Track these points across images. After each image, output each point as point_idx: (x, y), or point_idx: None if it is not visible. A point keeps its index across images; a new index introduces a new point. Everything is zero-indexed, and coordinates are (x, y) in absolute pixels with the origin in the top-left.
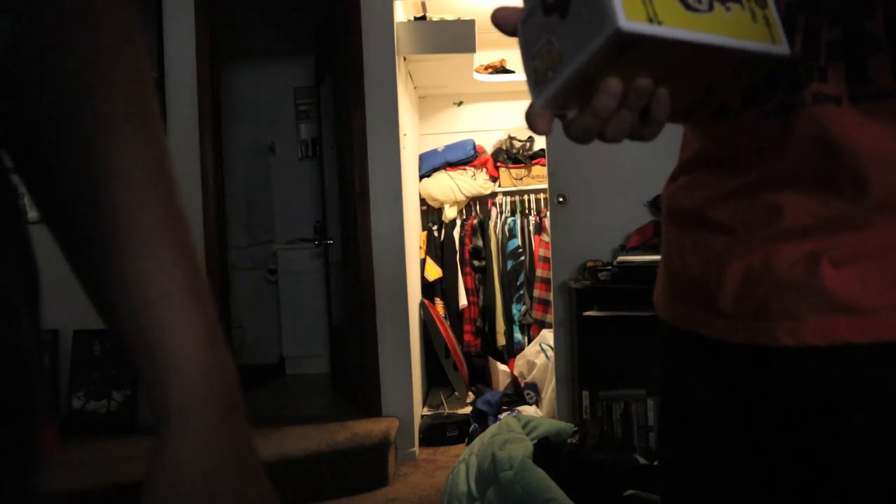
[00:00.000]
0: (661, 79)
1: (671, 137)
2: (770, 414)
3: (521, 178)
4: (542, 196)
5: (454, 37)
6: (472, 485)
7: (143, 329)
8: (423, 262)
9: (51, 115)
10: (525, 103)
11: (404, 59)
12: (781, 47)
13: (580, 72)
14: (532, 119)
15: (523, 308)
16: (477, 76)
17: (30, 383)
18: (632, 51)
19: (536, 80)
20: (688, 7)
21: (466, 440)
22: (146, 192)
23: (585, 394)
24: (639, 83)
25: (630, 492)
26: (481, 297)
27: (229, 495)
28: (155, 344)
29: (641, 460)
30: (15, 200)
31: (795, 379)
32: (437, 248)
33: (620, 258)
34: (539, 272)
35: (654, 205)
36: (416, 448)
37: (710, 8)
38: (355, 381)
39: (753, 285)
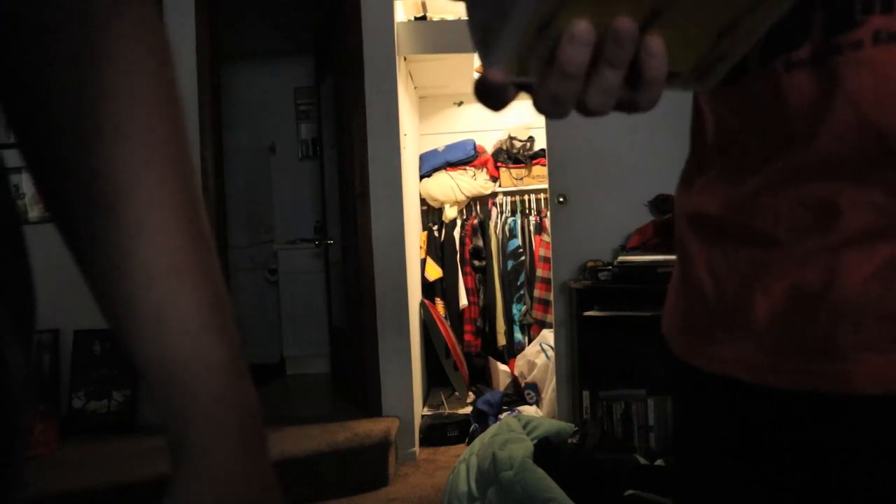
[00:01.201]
0: (648, 21)
1: (671, 137)
2: (835, 491)
3: (521, 178)
4: (542, 196)
5: (454, 37)
6: (473, 485)
7: (160, 354)
8: (423, 262)
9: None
10: (526, 103)
11: (404, 59)
12: None
13: (532, 10)
14: (484, 89)
15: (524, 308)
16: (477, 76)
17: (10, 419)
18: None
19: (484, 37)
20: None
21: (467, 440)
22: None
23: (586, 394)
24: (618, 27)
25: (630, 492)
26: (482, 297)
27: None
28: (173, 370)
29: (642, 460)
30: (12, 206)
31: (880, 441)
32: (438, 248)
33: (621, 258)
34: (539, 272)
35: (654, 205)
36: (417, 448)
37: None
38: (355, 381)
39: (809, 311)
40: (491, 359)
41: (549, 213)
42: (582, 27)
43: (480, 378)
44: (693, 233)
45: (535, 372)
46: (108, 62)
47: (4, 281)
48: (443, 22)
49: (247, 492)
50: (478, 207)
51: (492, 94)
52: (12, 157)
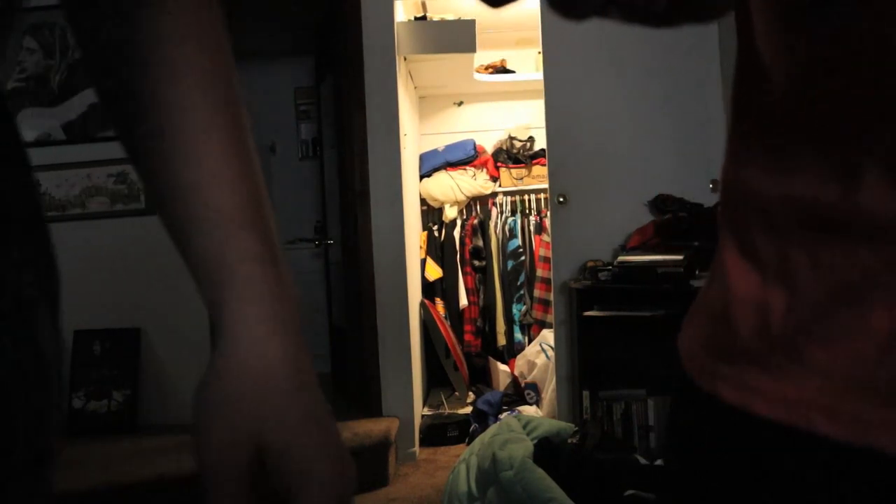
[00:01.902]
0: None
1: (671, 137)
2: None
3: (521, 178)
4: (542, 196)
5: (454, 37)
6: (473, 485)
7: (201, 248)
8: (423, 262)
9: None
10: (526, 103)
11: (404, 59)
12: None
13: None
14: None
15: (524, 308)
16: (477, 76)
17: (47, 387)
18: None
19: None
20: None
21: (467, 440)
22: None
23: (586, 394)
24: None
25: (630, 492)
26: (482, 297)
27: (275, 401)
28: (211, 261)
29: (642, 460)
30: (36, 196)
31: None
32: (438, 248)
33: (621, 258)
34: (539, 272)
35: (655, 205)
36: (417, 448)
37: None
38: (355, 381)
39: None
40: (491, 359)
41: (549, 213)
42: None
43: (480, 378)
44: (758, 224)
45: (535, 372)
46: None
47: (36, 260)
48: (443, 22)
49: (279, 371)
50: (478, 207)
51: None
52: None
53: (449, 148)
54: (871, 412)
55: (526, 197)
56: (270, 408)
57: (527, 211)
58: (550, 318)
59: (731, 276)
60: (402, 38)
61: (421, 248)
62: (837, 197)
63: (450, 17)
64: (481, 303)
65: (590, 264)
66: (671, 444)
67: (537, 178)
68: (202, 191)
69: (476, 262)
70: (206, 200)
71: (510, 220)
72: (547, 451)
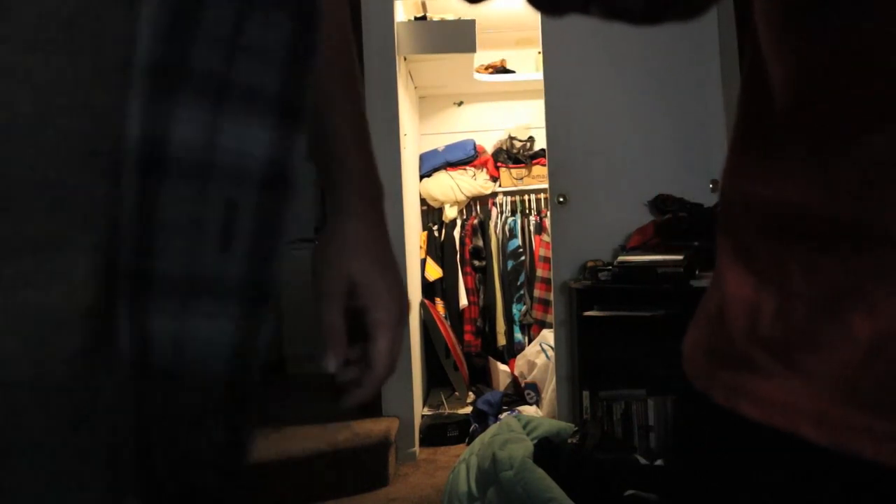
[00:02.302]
0: None
1: (671, 137)
2: None
3: (521, 178)
4: (542, 196)
5: (454, 37)
6: (473, 485)
7: (334, 164)
8: (423, 262)
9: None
10: (526, 103)
11: (404, 59)
12: None
13: None
14: None
15: (524, 308)
16: (477, 76)
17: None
18: None
19: None
20: None
21: (467, 440)
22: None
23: (586, 394)
24: None
25: (630, 492)
26: (482, 297)
27: (362, 257)
28: (341, 171)
29: (642, 460)
30: None
31: None
32: (438, 248)
33: (621, 258)
34: (539, 272)
35: (654, 205)
36: (417, 448)
37: None
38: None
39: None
40: (491, 359)
41: (549, 213)
42: None
43: (480, 378)
44: (754, 228)
45: (535, 372)
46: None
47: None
48: (443, 22)
49: (372, 248)
50: (478, 207)
51: None
52: None
53: (449, 148)
54: (854, 418)
55: (526, 197)
56: (358, 260)
57: (527, 211)
58: (550, 318)
59: (727, 278)
60: (402, 38)
61: (421, 248)
62: (830, 204)
63: (450, 17)
64: (481, 303)
65: (590, 264)
66: (673, 445)
67: (537, 178)
68: (350, 180)
69: (476, 262)
70: (351, 188)
71: (510, 220)
72: (547, 451)
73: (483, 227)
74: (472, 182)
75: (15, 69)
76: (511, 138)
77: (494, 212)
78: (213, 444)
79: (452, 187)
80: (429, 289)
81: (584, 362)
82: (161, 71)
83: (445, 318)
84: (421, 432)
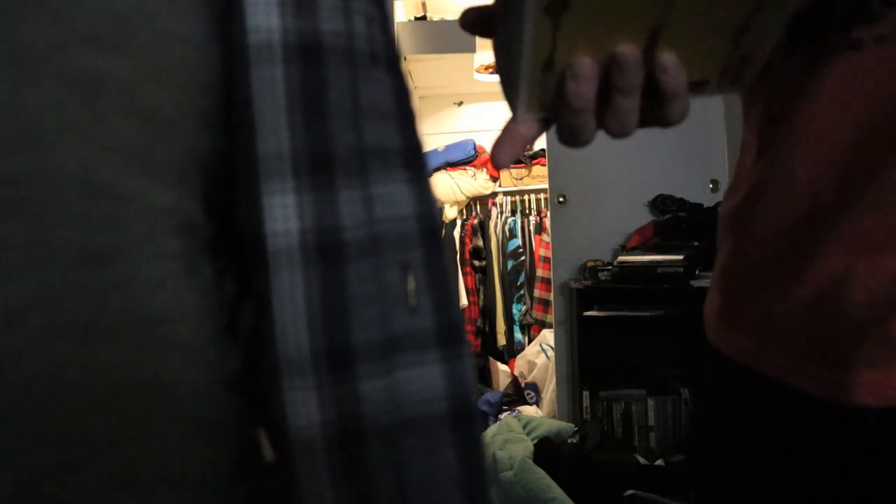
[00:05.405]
0: (653, 38)
1: (671, 138)
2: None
3: (521, 178)
4: (542, 196)
5: (454, 37)
6: None
7: None
8: None
9: None
10: None
11: (404, 58)
12: None
13: (528, 48)
14: (510, 139)
15: (523, 308)
16: (477, 76)
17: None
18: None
19: (508, 89)
20: None
21: None
22: None
23: (586, 394)
24: (619, 54)
25: (630, 492)
26: (481, 297)
27: None
28: None
29: (642, 460)
30: None
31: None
32: None
33: (621, 258)
34: (539, 272)
35: (654, 205)
36: None
37: None
38: None
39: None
40: (491, 359)
41: (549, 213)
42: (582, 63)
43: (480, 378)
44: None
45: (535, 372)
46: None
47: None
48: (443, 22)
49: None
50: (478, 207)
51: (517, 143)
52: None
53: (449, 148)
54: (798, 363)
55: (526, 197)
56: None
57: (527, 211)
58: (550, 318)
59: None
60: (401, 38)
61: None
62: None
63: (450, 17)
64: (481, 303)
65: (590, 264)
66: (698, 395)
67: (537, 178)
68: None
69: (476, 262)
70: None
71: (510, 220)
72: (547, 451)
73: (483, 227)
74: (472, 182)
75: (71, 68)
76: None
77: (494, 212)
78: (455, 475)
79: (452, 187)
80: None
81: (583, 362)
82: (310, 157)
83: None
84: None
